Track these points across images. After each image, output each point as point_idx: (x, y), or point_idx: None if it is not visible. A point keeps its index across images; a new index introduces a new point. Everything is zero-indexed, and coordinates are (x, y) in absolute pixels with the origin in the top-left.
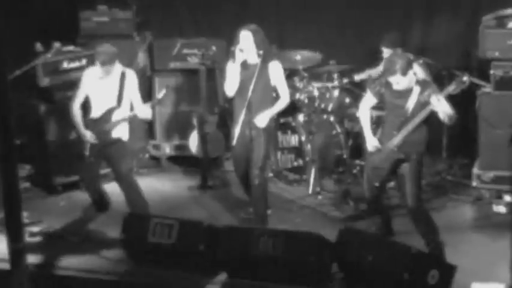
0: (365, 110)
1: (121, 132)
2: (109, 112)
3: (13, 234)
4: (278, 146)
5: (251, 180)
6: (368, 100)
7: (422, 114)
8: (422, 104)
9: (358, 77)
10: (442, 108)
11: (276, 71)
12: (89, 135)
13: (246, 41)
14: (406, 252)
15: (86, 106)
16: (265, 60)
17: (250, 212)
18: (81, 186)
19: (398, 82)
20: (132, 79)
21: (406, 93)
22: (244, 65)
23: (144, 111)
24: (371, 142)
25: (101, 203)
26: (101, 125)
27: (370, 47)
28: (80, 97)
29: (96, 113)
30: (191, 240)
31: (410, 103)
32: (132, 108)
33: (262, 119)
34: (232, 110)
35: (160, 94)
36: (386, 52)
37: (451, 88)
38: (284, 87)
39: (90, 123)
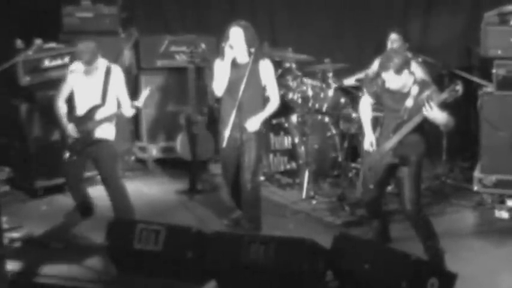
0: (365, 107)
1: (107, 131)
2: (93, 110)
3: None
4: (270, 148)
5: (243, 185)
6: (367, 99)
7: (416, 119)
8: (420, 107)
9: (347, 82)
10: (435, 116)
11: (266, 70)
12: (70, 128)
13: (236, 38)
14: (405, 259)
15: (71, 104)
16: (256, 58)
17: (234, 218)
18: (65, 189)
19: (391, 80)
20: (118, 75)
21: (404, 95)
22: (234, 63)
23: (129, 111)
24: (368, 141)
25: (84, 206)
26: (84, 123)
27: (367, 45)
28: (64, 92)
29: (80, 110)
30: (179, 247)
31: (408, 105)
32: (119, 106)
33: (253, 123)
34: (221, 110)
35: (142, 97)
36: (393, 38)
37: (443, 97)
38: (274, 88)
39: (73, 121)
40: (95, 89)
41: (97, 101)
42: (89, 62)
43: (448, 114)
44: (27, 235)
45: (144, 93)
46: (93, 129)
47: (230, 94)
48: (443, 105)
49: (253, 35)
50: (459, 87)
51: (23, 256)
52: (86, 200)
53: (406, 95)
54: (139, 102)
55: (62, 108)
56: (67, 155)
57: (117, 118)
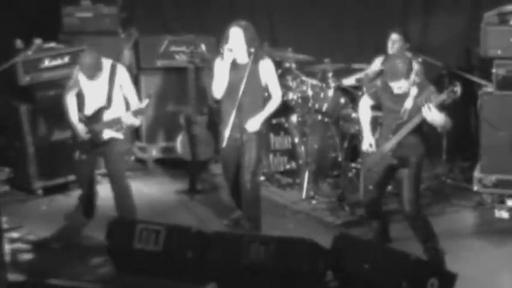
0: (365, 108)
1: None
2: (99, 112)
3: None
4: (270, 148)
5: (242, 185)
6: (366, 99)
7: (416, 120)
8: (419, 108)
9: (346, 82)
10: (433, 118)
11: (267, 70)
12: (80, 129)
13: (236, 39)
14: (405, 259)
15: (79, 101)
16: (256, 59)
17: (234, 218)
18: (65, 189)
19: (401, 87)
20: (122, 75)
21: (403, 96)
22: (234, 64)
23: (130, 118)
24: (367, 142)
25: (89, 206)
26: (91, 123)
27: (367, 45)
28: (72, 88)
29: (88, 110)
30: (179, 246)
31: (407, 106)
32: (128, 106)
33: (253, 124)
34: (221, 111)
35: (143, 103)
36: (394, 39)
37: (442, 98)
38: (276, 86)
39: (83, 120)
40: (100, 89)
41: (103, 101)
42: (92, 77)
43: (446, 116)
44: (27, 235)
45: (145, 101)
46: (101, 131)
47: (230, 94)
48: (442, 107)
49: (254, 35)
50: (458, 89)
51: (23, 257)
52: (91, 200)
53: (406, 95)
54: (142, 105)
55: (71, 103)
56: (77, 153)
57: (127, 128)
